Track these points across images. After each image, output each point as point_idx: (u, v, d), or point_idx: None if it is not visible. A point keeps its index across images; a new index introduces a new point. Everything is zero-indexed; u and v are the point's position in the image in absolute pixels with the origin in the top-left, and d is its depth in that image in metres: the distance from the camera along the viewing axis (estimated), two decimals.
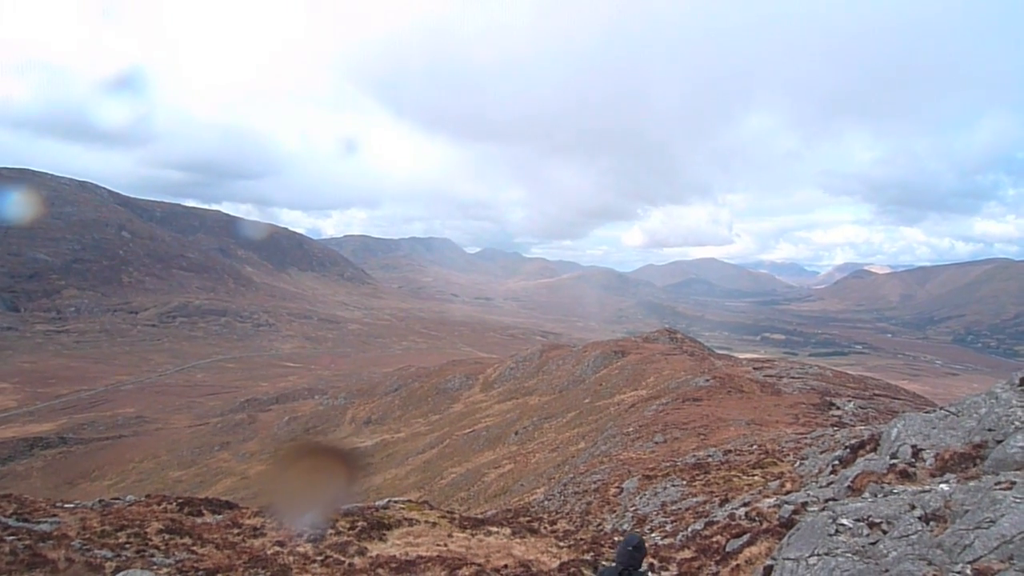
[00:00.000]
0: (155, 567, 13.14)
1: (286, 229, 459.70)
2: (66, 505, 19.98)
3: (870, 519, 9.47)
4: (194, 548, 15.95)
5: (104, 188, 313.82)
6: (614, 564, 6.24)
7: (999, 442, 10.80)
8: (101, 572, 12.58)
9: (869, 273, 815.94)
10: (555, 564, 13.46)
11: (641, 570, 6.21)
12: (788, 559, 9.48)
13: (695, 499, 23.52)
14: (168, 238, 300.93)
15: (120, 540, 16.15)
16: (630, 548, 6.28)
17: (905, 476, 11.55)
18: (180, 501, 23.78)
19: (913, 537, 8.54)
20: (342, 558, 13.74)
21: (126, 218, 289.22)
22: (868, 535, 9.12)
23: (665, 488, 26.63)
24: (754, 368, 71.84)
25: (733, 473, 26.95)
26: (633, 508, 25.84)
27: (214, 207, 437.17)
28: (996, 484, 8.98)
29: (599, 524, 25.49)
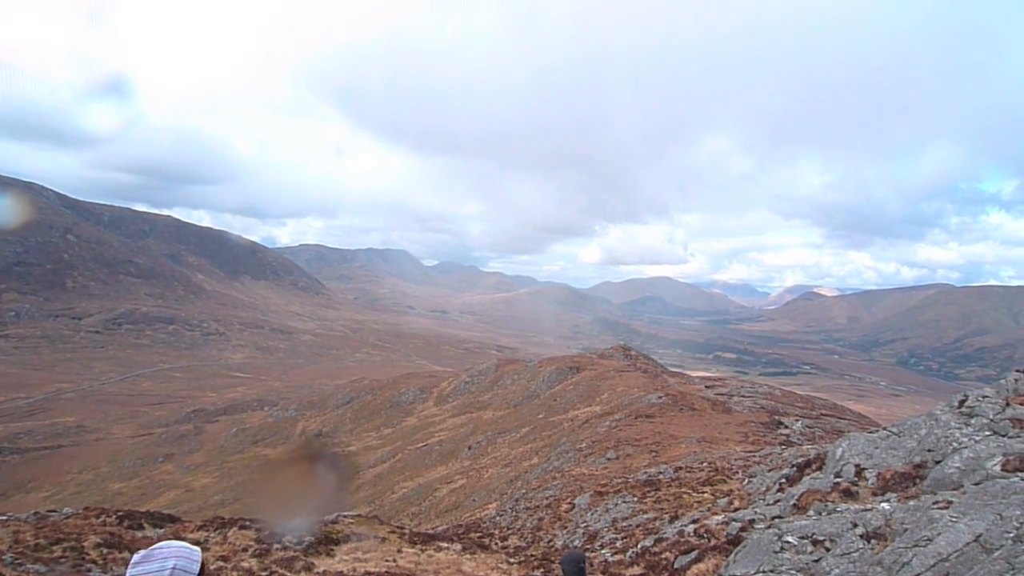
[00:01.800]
0: None
1: (240, 236, 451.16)
2: None
3: (814, 536, 9.68)
4: None
5: (50, 190, 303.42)
6: None
7: (938, 462, 11.18)
8: None
9: (818, 295, 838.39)
10: None
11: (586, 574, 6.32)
12: (735, 575, 9.61)
13: (645, 516, 23.69)
14: (116, 243, 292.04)
15: (55, 554, 15.51)
16: (579, 564, 6.56)
17: (848, 495, 11.85)
18: (120, 514, 22.94)
19: (855, 555, 8.75)
20: (288, 574, 13.43)
21: (72, 221, 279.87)
22: (812, 552, 9.32)
23: (616, 504, 26.76)
24: (706, 386, 72.96)
25: (683, 490, 27.24)
26: (584, 524, 25.89)
27: (165, 212, 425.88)
28: (934, 503, 9.28)
29: (550, 540, 25.45)
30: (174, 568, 2.53)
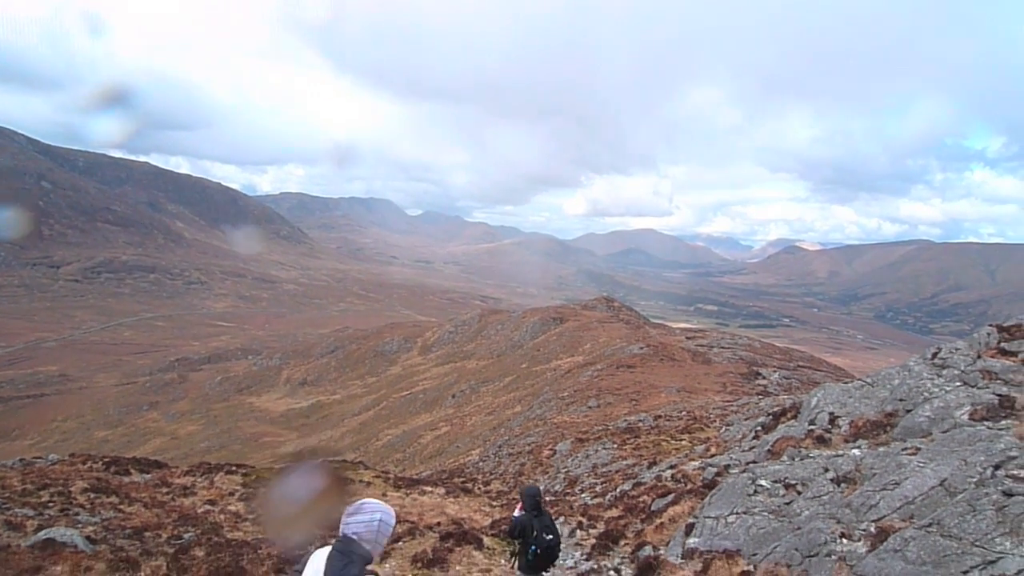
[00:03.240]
0: (80, 526, 12.81)
1: (219, 184, 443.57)
2: None
3: (786, 481, 10.01)
4: (121, 507, 15.61)
5: (21, 135, 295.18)
6: (524, 512, 7.32)
7: (909, 411, 11.52)
8: (22, 531, 12.21)
9: (800, 249, 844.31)
10: (487, 522, 13.75)
11: (543, 509, 7.36)
12: (709, 517, 9.95)
13: (625, 462, 24.27)
14: (92, 190, 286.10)
15: (43, 499, 15.67)
16: (535, 497, 7.31)
17: (821, 441, 12.21)
18: (106, 460, 23.14)
19: (825, 498, 9.08)
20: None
21: (46, 167, 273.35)
22: (784, 495, 9.65)
23: (597, 451, 27.36)
24: (687, 338, 73.96)
25: (662, 437, 27.88)
26: (565, 470, 26.49)
27: (142, 159, 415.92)
28: (903, 450, 9.61)
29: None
30: (380, 521, 3.09)
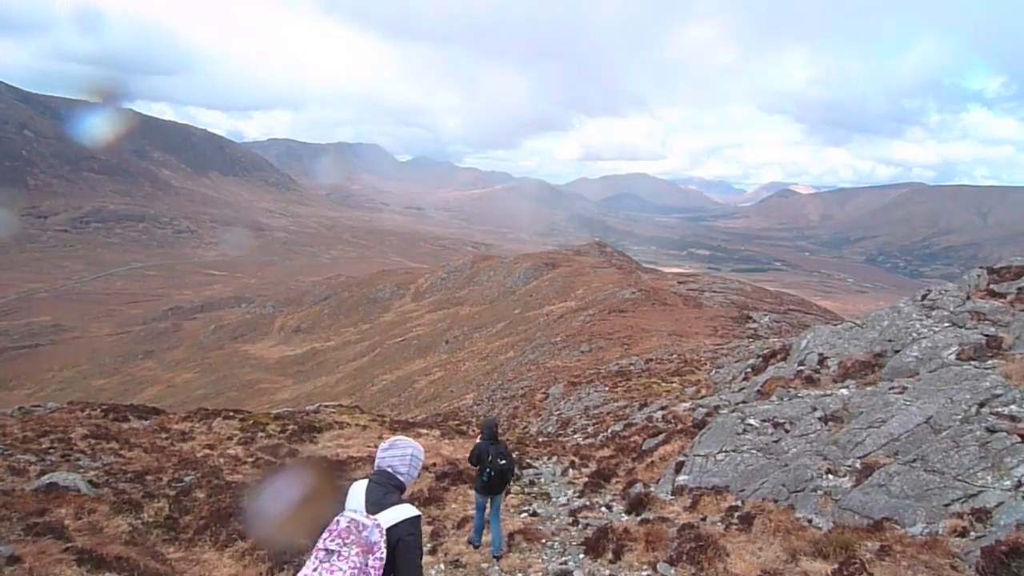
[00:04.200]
0: (82, 470, 13.00)
1: (205, 131, 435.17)
2: None
3: (775, 419, 10.21)
4: (121, 452, 15.81)
5: (1, 82, 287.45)
6: (483, 441, 8.28)
7: (897, 352, 11.69)
8: (25, 476, 12.38)
9: (793, 193, 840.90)
10: None
11: (498, 439, 8.33)
12: (698, 456, 10.17)
13: (616, 404, 24.66)
14: (76, 138, 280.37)
15: (44, 446, 15.84)
16: (492, 428, 8.32)
17: (810, 381, 12.41)
18: (104, 408, 23.32)
19: (812, 435, 9.28)
20: (273, 459, 13.92)
21: (28, 116, 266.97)
22: (772, 434, 9.86)
23: (588, 394, 27.77)
24: (678, 282, 74.29)
25: (653, 380, 28.28)
26: (558, 412, 26.92)
27: (126, 105, 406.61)
28: (890, 389, 9.79)
29: (525, 427, 26.52)
30: (412, 455, 3.41)
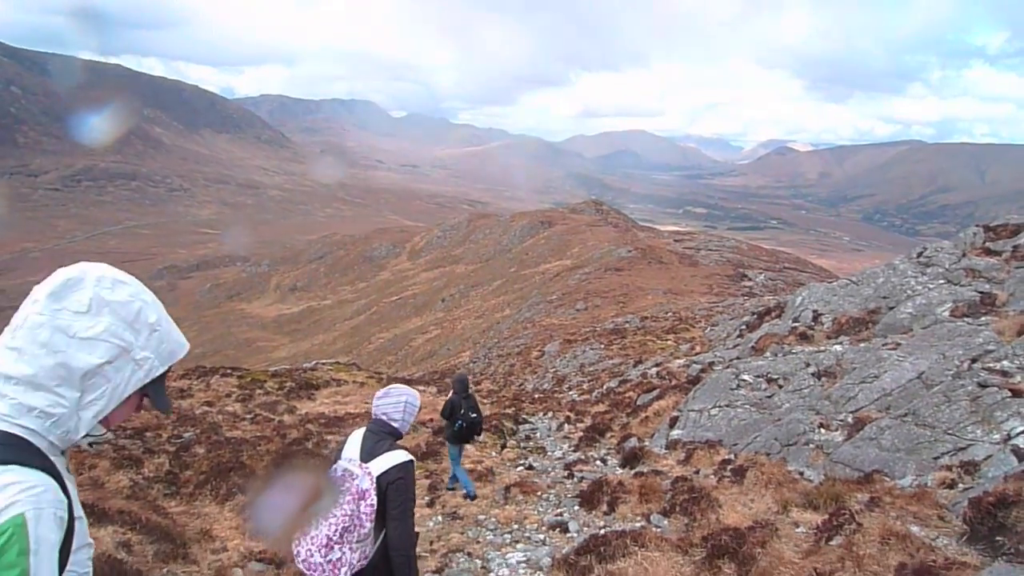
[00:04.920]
0: None
1: (196, 87, 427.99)
2: None
3: (769, 375, 10.30)
4: None
5: None
6: (455, 395, 8.94)
7: (891, 308, 11.73)
8: None
9: (791, 150, 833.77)
10: None
11: (469, 391, 9.08)
12: (692, 410, 10.29)
13: (611, 361, 24.85)
14: (65, 95, 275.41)
15: None
16: (464, 382, 9.06)
17: (804, 338, 12.48)
18: None
19: (805, 391, 9.37)
20: (272, 416, 14.03)
21: (14, 72, 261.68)
22: (766, 389, 9.95)
23: (584, 351, 27.95)
24: (674, 240, 74.22)
25: (648, 338, 28.45)
26: (553, 369, 27.14)
27: (113, 61, 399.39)
28: (884, 345, 9.85)
29: (521, 384, 26.75)
30: (406, 402, 3.45)
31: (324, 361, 23.13)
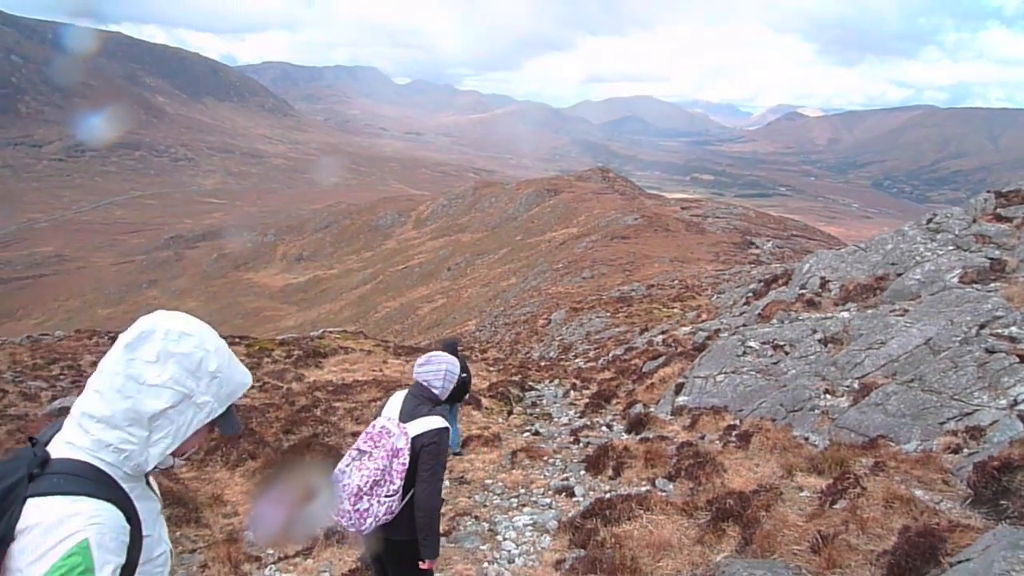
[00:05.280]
0: None
1: (197, 54, 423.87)
2: None
3: (775, 342, 10.29)
4: None
5: None
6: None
7: (900, 275, 11.67)
8: (38, 401, 12.65)
9: (801, 116, 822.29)
10: (484, 385, 14.26)
11: (459, 355, 8.87)
12: (698, 377, 10.31)
13: (617, 329, 24.88)
14: (66, 63, 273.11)
15: (54, 372, 16.13)
16: (454, 346, 9.19)
17: (811, 305, 12.45)
18: (111, 335, 23.60)
19: (812, 357, 9.37)
20: (280, 384, 14.15)
21: (14, 40, 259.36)
22: (772, 356, 9.95)
23: (590, 319, 27.99)
24: (681, 208, 73.82)
25: (654, 306, 28.45)
26: (560, 337, 27.22)
27: (113, 28, 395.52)
28: (891, 311, 9.81)
29: (527, 352, 26.87)
30: (446, 371, 3.60)
31: (331, 330, 23.26)
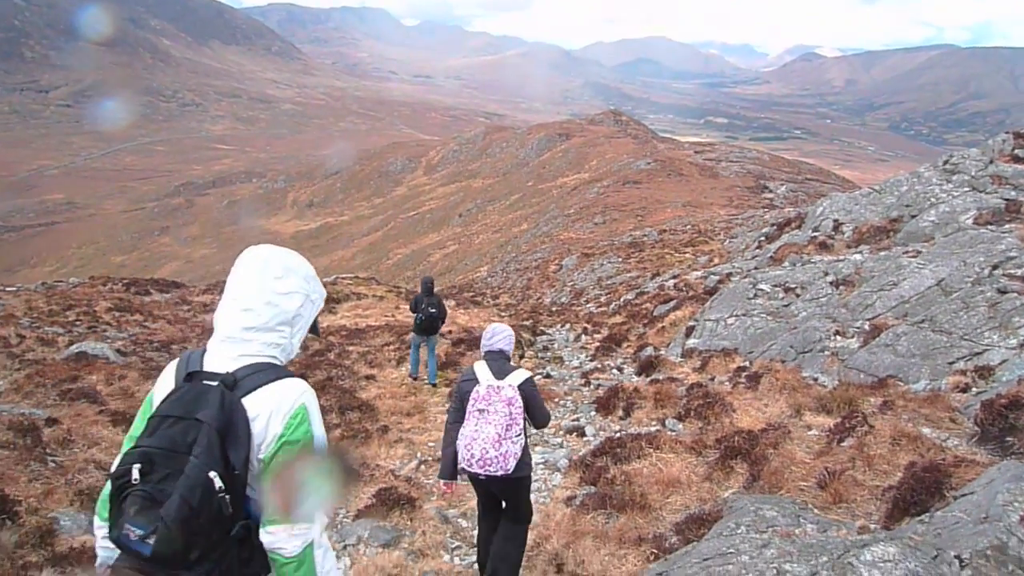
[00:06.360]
0: (109, 340, 13.49)
1: None
2: (7, 288, 19.85)
3: (786, 284, 10.27)
4: (146, 323, 16.33)
5: None
6: (421, 292, 10.24)
7: (913, 217, 11.53)
8: (55, 346, 12.88)
9: (818, 56, 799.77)
10: None
11: (433, 293, 10.29)
12: (709, 320, 10.35)
13: (629, 274, 24.87)
14: (68, 5, 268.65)
15: (70, 318, 16.37)
16: (427, 282, 10.37)
17: (824, 247, 12.37)
18: (126, 282, 23.86)
19: (823, 299, 9.36)
20: None
21: None
22: (783, 298, 9.95)
23: (602, 265, 27.97)
24: (695, 152, 72.67)
25: (666, 251, 28.35)
26: (571, 283, 27.27)
27: None
28: (904, 253, 9.74)
29: (538, 298, 26.97)
30: (509, 335, 4.36)
31: (344, 276, 23.39)
